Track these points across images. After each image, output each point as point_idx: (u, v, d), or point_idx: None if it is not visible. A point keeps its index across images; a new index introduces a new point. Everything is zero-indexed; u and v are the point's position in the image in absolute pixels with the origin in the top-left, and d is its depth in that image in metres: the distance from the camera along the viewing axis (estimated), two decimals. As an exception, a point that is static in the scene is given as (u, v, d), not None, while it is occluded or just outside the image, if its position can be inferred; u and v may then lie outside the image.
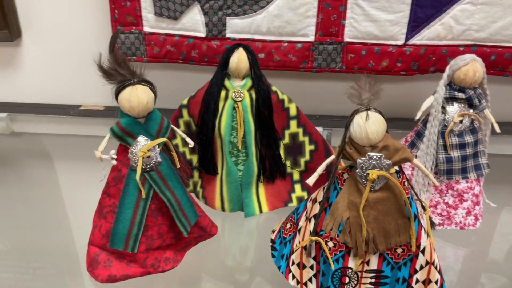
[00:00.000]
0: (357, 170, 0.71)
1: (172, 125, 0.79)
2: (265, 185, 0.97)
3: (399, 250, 0.74)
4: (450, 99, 0.87)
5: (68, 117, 1.32)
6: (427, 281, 0.76)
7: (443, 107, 0.88)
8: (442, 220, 0.91)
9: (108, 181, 0.79)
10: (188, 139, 0.82)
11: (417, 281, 0.76)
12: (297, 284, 0.79)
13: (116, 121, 0.74)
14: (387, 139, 0.70)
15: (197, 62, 1.20)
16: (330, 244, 0.74)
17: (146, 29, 1.18)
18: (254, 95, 0.93)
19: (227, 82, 0.93)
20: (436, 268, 0.76)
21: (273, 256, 0.85)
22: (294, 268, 0.79)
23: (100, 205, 0.80)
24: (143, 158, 0.74)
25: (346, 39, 1.14)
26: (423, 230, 0.74)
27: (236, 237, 0.96)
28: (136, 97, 0.72)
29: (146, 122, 0.75)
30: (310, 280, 0.78)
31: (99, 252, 0.81)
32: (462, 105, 0.87)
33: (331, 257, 0.74)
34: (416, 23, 1.11)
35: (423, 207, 0.78)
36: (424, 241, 0.74)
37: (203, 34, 1.16)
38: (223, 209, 0.96)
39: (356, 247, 0.72)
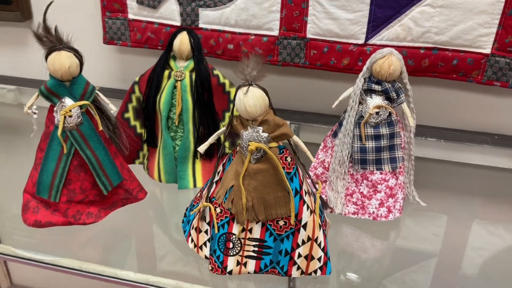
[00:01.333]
0: (239, 141, 0.76)
1: (97, 91, 0.88)
2: (202, 162, 1.04)
3: (281, 223, 0.78)
4: (369, 91, 0.90)
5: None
6: (309, 257, 0.79)
7: (362, 98, 0.90)
8: (357, 209, 0.94)
9: (41, 136, 0.90)
10: (111, 105, 0.91)
11: (299, 255, 0.79)
12: (194, 248, 0.85)
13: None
14: (268, 115, 0.75)
15: (173, 49, 1.29)
16: (218, 210, 0.80)
17: (130, 16, 1.29)
18: (194, 77, 1.00)
19: (172, 63, 1.02)
20: (319, 245, 0.79)
21: (182, 221, 0.92)
22: (192, 232, 0.86)
23: (35, 158, 0.91)
24: (65, 117, 0.84)
25: (309, 35, 1.18)
26: (305, 206, 0.78)
27: (167, 207, 1.03)
28: (59, 61, 0.82)
29: (71, 85, 0.85)
30: (205, 244, 0.84)
31: (30, 199, 0.91)
32: (381, 97, 0.89)
33: (218, 222, 0.80)
34: (376, 23, 1.13)
35: (315, 187, 0.81)
36: (306, 217, 0.78)
37: (178, 23, 1.25)
38: (160, 180, 1.04)
39: (237, 213, 0.77)
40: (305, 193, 0.79)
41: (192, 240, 0.86)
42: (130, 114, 1.07)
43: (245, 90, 0.73)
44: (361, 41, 1.16)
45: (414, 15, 1.10)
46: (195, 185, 1.03)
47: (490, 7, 1.05)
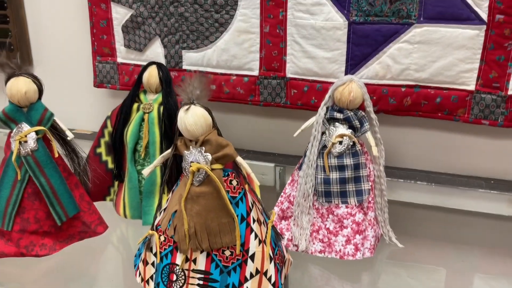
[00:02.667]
0: (182, 164, 0.73)
1: (54, 118, 0.88)
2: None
3: (227, 253, 0.73)
4: (332, 120, 0.86)
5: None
6: (258, 293, 0.73)
7: (326, 128, 0.87)
8: (323, 247, 0.87)
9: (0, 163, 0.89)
10: (68, 132, 0.90)
11: (248, 290, 0.73)
12: (141, 282, 0.80)
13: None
14: (210, 135, 0.72)
15: (159, 91, 1.30)
16: (162, 238, 0.75)
17: (119, 59, 1.32)
18: (162, 109, 0.99)
19: (142, 96, 1.02)
20: (269, 280, 0.73)
21: (135, 255, 0.87)
22: (140, 265, 0.81)
23: (-7, 186, 0.90)
24: (20, 142, 0.84)
25: (289, 74, 1.18)
26: (253, 235, 0.73)
27: (132, 244, 0.99)
28: (16, 87, 0.83)
29: (28, 111, 0.86)
30: (151, 277, 0.79)
31: (-15, 229, 0.89)
32: (344, 126, 0.86)
33: (161, 252, 0.75)
34: (354, 61, 1.11)
35: (267, 215, 0.76)
36: (253, 247, 0.72)
37: (163, 65, 1.27)
38: (125, 215, 1.01)
39: (179, 241, 0.73)
40: (254, 220, 0.73)
41: (140, 274, 0.81)
42: (102, 149, 1.07)
43: (186, 108, 0.71)
44: (340, 79, 1.14)
45: (392, 52, 1.08)
46: (161, 222, 0.99)
47: (470, 41, 1.02)
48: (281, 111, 1.23)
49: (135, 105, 1.01)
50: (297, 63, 1.16)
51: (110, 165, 1.07)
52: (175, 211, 0.74)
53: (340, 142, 0.85)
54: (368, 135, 0.85)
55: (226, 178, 0.73)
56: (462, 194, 1.16)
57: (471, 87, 1.06)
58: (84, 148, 1.46)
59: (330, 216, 0.86)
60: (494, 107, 1.05)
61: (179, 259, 0.74)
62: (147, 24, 1.24)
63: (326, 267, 0.88)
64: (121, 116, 1.00)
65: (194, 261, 0.73)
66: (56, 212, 0.86)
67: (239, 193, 0.73)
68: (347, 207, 0.85)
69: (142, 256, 0.80)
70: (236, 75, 1.22)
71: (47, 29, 1.42)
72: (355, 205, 0.85)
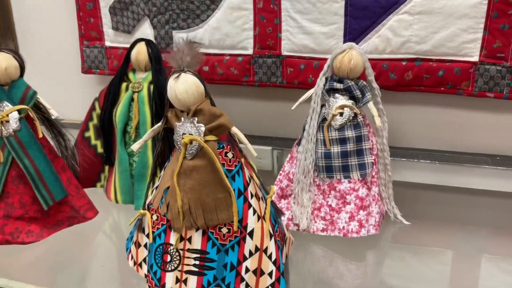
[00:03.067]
0: (174, 136, 0.69)
1: (38, 96, 0.83)
2: (163, 181, 0.96)
3: (224, 230, 0.68)
4: (331, 91, 0.82)
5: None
6: (258, 271, 0.68)
7: (326, 100, 0.82)
8: (325, 225, 0.82)
9: (-17, 147, 0.84)
10: (52, 111, 0.85)
11: (247, 269, 0.68)
12: (134, 265, 0.75)
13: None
14: (203, 104, 0.67)
15: (151, 73, 1.25)
16: (154, 217, 0.71)
17: (107, 43, 1.27)
18: (152, 88, 0.95)
19: (131, 75, 0.97)
20: (269, 257, 0.68)
21: (127, 239, 0.82)
22: (132, 248, 0.76)
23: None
24: (1, 122, 0.78)
25: (284, 52, 1.13)
26: (251, 210, 0.68)
27: (124, 230, 0.94)
28: (-5, 63, 0.78)
29: (9, 89, 0.80)
30: (144, 260, 0.74)
31: (-32, 216, 0.84)
32: (345, 97, 0.81)
33: (154, 232, 0.70)
34: (352, 35, 1.07)
35: (266, 191, 0.72)
36: (252, 223, 0.68)
37: (153, 47, 1.22)
38: (116, 200, 0.96)
39: (173, 219, 0.68)
40: (251, 195, 0.69)
41: (132, 257, 0.76)
42: (90, 133, 1.02)
43: (175, 76, 0.66)
44: (338, 55, 1.09)
45: (392, 24, 1.03)
46: (154, 206, 0.94)
47: (472, 10, 0.98)
48: (277, 92, 1.18)
49: (124, 85, 0.96)
50: (293, 39, 1.11)
51: (100, 150, 1.02)
52: (168, 188, 0.69)
53: (341, 114, 0.80)
54: (370, 105, 0.80)
55: (221, 150, 0.68)
56: (468, 172, 1.12)
57: (475, 58, 1.01)
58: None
59: (332, 192, 0.81)
60: (499, 79, 1.00)
61: (173, 238, 0.69)
62: (135, 4, 1.19)
63: (329, 246, 0.84)
64: (109, 96, 0.95)
65: (189, 240, 0.69)
66: (42, 195, 0.81)
67: (235, 166, 0.68)
68: (349, 182, 0.80)
69: (134, 238, 0.76)
70: (230, 54, 1.17)
71: (32, 15, 1.37)
72: (358, 180, 0.80)
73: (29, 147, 0.81)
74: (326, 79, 0.82)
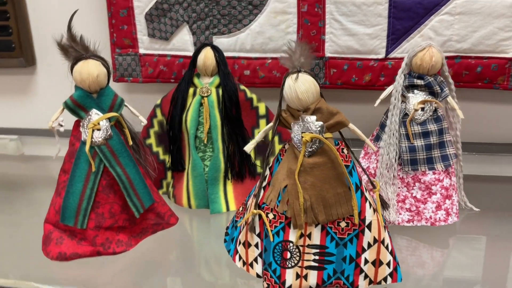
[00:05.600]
0: (292, 135, 0.70)
1: (125, 103, 0.82)
2: (234, 184, 0.97)
3: (342, 224, 0.70)
4: (410, 87, 0.86)
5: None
6: (377, 262, 0.71)
7: (404, 96, 0.86)
8: (411, 216, 0.86)
9: (65, 157, 0.82)
10: (141, 117, 0.85)
11: (366, 261, 0.71)
12: (243, 266, 0.76)
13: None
14: (320, 103, 0.70)
15: (187, 81, 1.25)
16: (271, 216, 0.72)
17: (141, 50, 1.26)
18: (221, 92, 0.95)
19: (196, 80, 0.97)
20: (387, 248, 0.71)
21: (224, 241, 0.83)
22: (240, 248, 0.77)
23: (58, 182, 0.83)
24: (93, 130, 0.77)
25: (328, 54, 1.16)
26: (367, 204, 0.70)
27: (200, 234, 0.94)
28: (87, 70, 0.77)
29: (98, 97, 0.79)
30: (255, 260, 0.75)
31: (52, 230, 0.82)
32: (424, 93, 0.85)
33: (271, 230, 0.71)
34: (395, 35, 1.12)
35: (373, 184, 0.75)
36: (369, 216, 0.70)
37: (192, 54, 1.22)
38: (189, 206, 0.96)
39: (294, 216, 0.69)
40: (365, 189, 0.72)
41: (240, 258, 0.77)
42: (152, 140, 1.01)
43: (294, 76, 0.68)
44: (381, 55, 1.14)
45: (434, 25, 1.10)
46: (228, 209, 0.95)
47: (509, 10, 1.06)
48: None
49: (191, 90, 0.96)
50: (337, 41, 1.15)
51: (162, 156, 1.01)
52: (285, 186, 0.70)
53: (422, 109, 0.84)
54: (450, 99, 0.85)
55: (337, 147, 0.70)
56: (502, 161, 1.19)
57: (510, 54, 1.09)
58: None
59: (417, 184, 0.86)
60: (532, 72, 1.09)
61: (292, 235, 0.71)
62: (174, 10, 1.19)
63: (409, 234, 0.87)
64: (178, 102, 0.95)
65: (309, 236, 0.70)
66: (133, 203, 0.81)
67: (351, 161, 0.71)
68: (434, 173, 0.85)
69: (241, 238, 0.76)
70: (272, 58, 1.19)
71: (50, 24, 1.33)
72: (442, 171, 0.85)
73: (120, 155, 0.80)
74: (404, 76, 0.86)
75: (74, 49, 0.77)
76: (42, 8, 1.33)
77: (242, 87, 0.99)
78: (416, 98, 0.85)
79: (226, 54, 1.20)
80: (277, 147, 1.00)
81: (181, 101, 0.95)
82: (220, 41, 1.20)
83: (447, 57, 1.11)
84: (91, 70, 0.77)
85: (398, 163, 0.86)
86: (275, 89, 1.22)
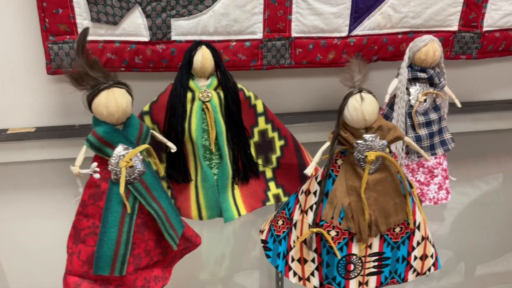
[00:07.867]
0: (354, 154, 0.70)
1: (151, 130, 0.72)
2: (240, 187, 0.94)
3: (397, 229, 0.74)
4: (412, 80, 0.90)
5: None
6: (424, 257, 0.77)
7: (407, 88, 0.90)
8: (417, 198, 0.94)
9: (84, 199, 0.71)
10: (170, 144, 0.76)
11: (415, 258, 0.77)
12: (299, 281, 0.77)
13: (92, 130, 0.67)
14: (380, 120, 0.70)
15: (141, 69, 1.12)
16: (333, 233, 0.73)
17: (82, 37, 1.08)
18: (222, 94, 0.89)
19: (191, 83, 0.89)
20: (430, 242, 0.78)
21: (268, 256, 0.82)
22: (294, 265, 0.77)
23: (76, 228, 0.72)
24: (126, 168, 0.67)
25: (294, 34, 1.14)
26: (416, 207, 0.75)
27: (218, 245, 0.91)
28: (115, 101, 0.65)
29: (125, 128, 0.68)
30: (312, 274, 0.76)
31: (80, 282, 0.72)
32: (423, 85, 0.90)
33: (335, 246, 0.72)
34: (358, 14, 1.14)
35: (410, 185, 0.79)
36: (418, 217, 0.75)
37: (146, 38, 1.09)
38: (200, 218, 0.90)
39: (359, 231, 0.71)
40: (413, 193, 0.76)
41: (295, 274, 0.77)
42: (142, 151, 0.91)
43: (359, 98, 0.67)
44: (344, 33, 1.16)
45: (393, 2, 1.14)
46: (239, 214, 0.93)
47: (458, -12, 1.14)
48: (279, 71, 1.20)
49: (189, 95, 0.88)
50: (303, 21, 1.13)
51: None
52: (349, 204, 0.71)
53: (425, 100, 0.90)
54: (447, 89, 0.92)
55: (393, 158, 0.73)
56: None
57: (454, 28, 1.20)
58: (27, 151, 1.21)
59: (421, 169, 0.93)
60: (471, 43, 1.21)
61: (355, 248, 0.73)
62: (123, -10, 1.04)
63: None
64: (178, 110, 0.86)
65: (370, 246, 0.74)
66: (171, 236, 0.74)
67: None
68: (435, 158, 0.92)
69: (294, 255, 0.76)
70: (236, 40, 1.13)
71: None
72: (442, 154, 0.93)
73: (154, 188, 0.71)
74: (407, 69, 0.90)
75: (91, 77, 0.64)
76: None
77: (240, 86, 0.93)
78: (417, 90, 0.90)
79: (186, 37, 1.11)
80: (277, 143, 0.98)
81: (182, 109, 0.86)
82: (179, 24, 1.09)
83: (402, 33, 1.17)
84: (119, 102, 0.65)
85: (405, 152, 0.91)
86: (241, 72, 1.18)
